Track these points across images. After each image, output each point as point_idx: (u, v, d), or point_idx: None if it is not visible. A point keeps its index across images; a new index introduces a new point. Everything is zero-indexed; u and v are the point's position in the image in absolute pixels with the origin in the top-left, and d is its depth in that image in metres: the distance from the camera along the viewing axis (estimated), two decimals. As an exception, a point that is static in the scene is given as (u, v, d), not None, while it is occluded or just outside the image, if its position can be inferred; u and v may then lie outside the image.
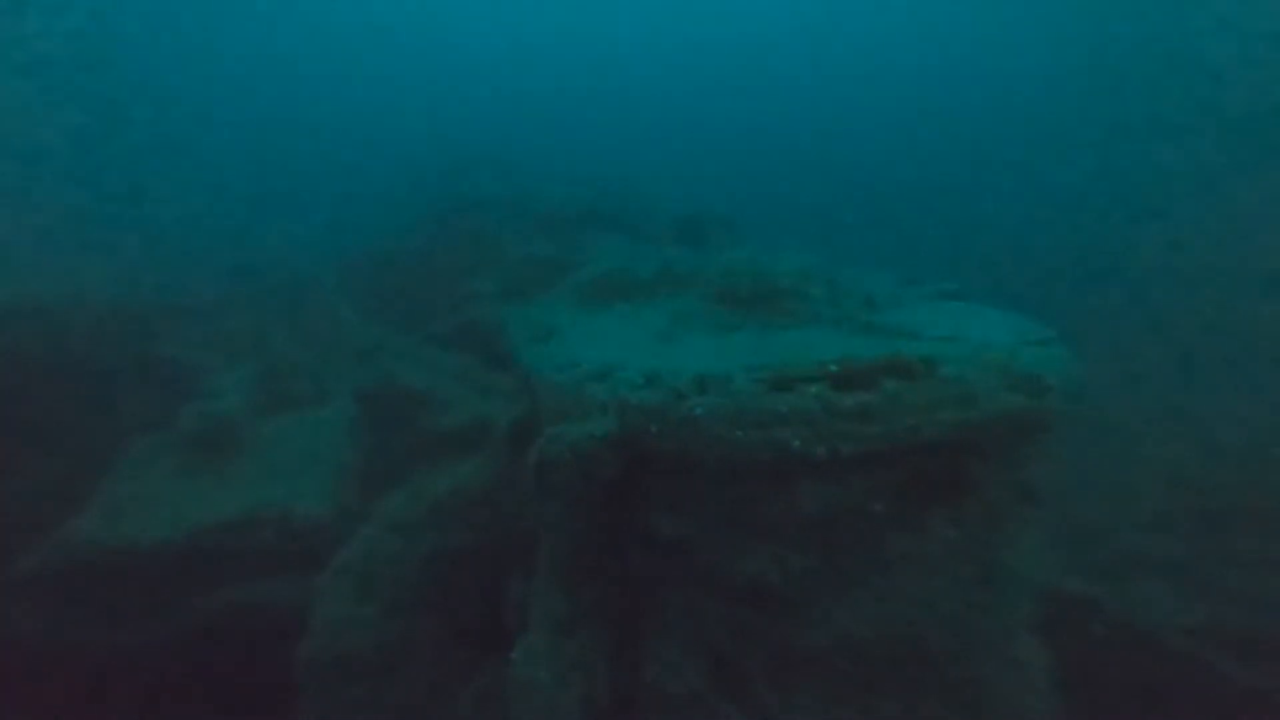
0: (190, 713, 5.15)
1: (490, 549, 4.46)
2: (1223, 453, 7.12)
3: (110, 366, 7.34)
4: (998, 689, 3.08)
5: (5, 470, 6.31)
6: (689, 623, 3.31)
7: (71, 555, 5.22)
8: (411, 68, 33.80)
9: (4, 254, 10.50)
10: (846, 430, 2.72)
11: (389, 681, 4.39)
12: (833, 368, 2.83)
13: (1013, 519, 3.04)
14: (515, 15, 37.17)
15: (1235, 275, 10.69)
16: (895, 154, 21.59)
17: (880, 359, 2.83)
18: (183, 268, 10.67)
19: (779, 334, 3.66)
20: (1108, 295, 11.12)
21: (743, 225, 12.05)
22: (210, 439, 5.85)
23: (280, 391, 7.36)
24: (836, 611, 3.03)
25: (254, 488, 5.65)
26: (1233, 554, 5.86)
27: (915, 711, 3.04)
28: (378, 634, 4.46)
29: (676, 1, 35.98)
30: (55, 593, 5.24)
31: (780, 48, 32.32)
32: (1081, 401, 3.03)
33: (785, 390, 2.81)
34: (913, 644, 3.01)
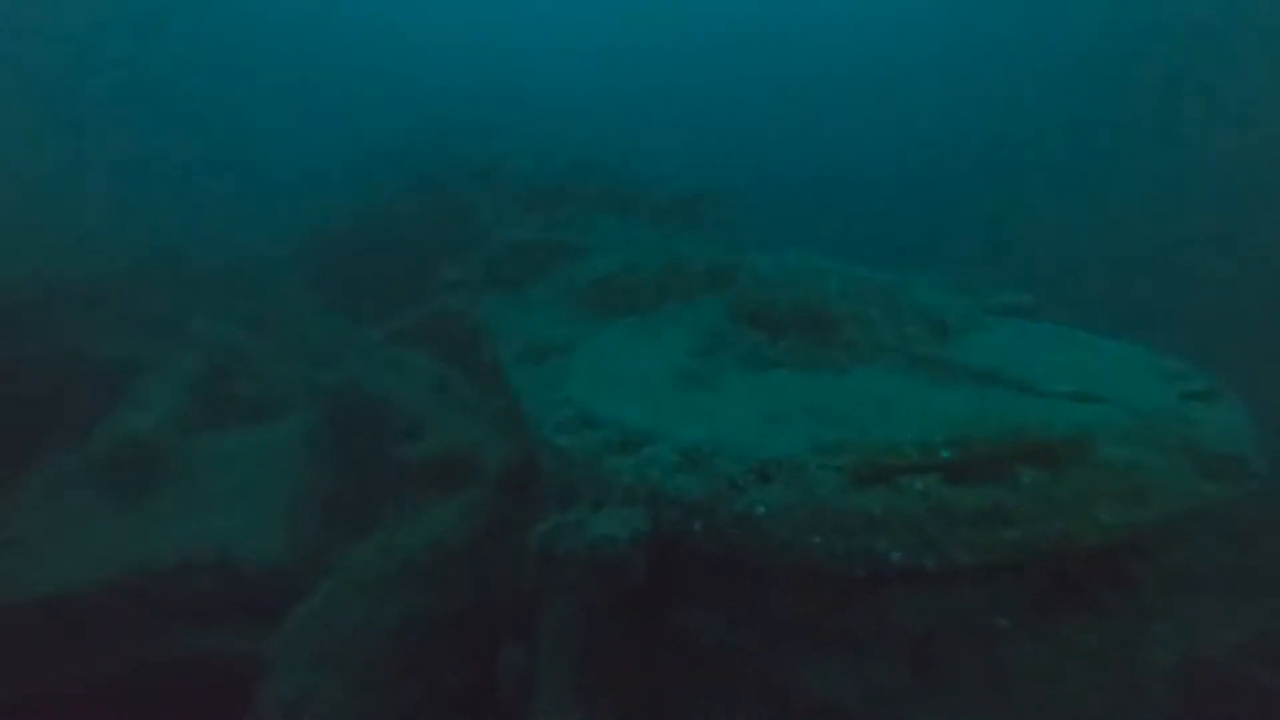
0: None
1: (477, 615, 3.73)
2: None
3: (6, 366, 6.27)
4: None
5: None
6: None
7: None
8: (381, 25, 31.50)
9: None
10: (968, 539, 2.04)
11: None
12: (944, 453, 2.14)
13: (1165, 611, 2.45)
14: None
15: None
16: (898, 134, 20.82)
17: (1008, 437, 2.15)
18: (101, 245, 9.35)
19: (840, 378, 2.95)
20: (1143, 284, 10.48)
21: (741, 201, 11.25)
22: (133, 462, 4.93)
23: (221, 399, 6.41)
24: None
25: (187, 523, 4.78)
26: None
27: None
28: (338, 714, 3.73)
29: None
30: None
31: (769, 21, 31.01)
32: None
33: (879, 481, 2.13)
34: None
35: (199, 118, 20.87)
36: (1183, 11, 16.80)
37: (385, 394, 5.55)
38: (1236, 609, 5.19)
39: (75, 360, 6.91)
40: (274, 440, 5.37)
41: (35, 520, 4.73)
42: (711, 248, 5.90)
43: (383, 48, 29.71)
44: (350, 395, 5.72)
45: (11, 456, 5.47)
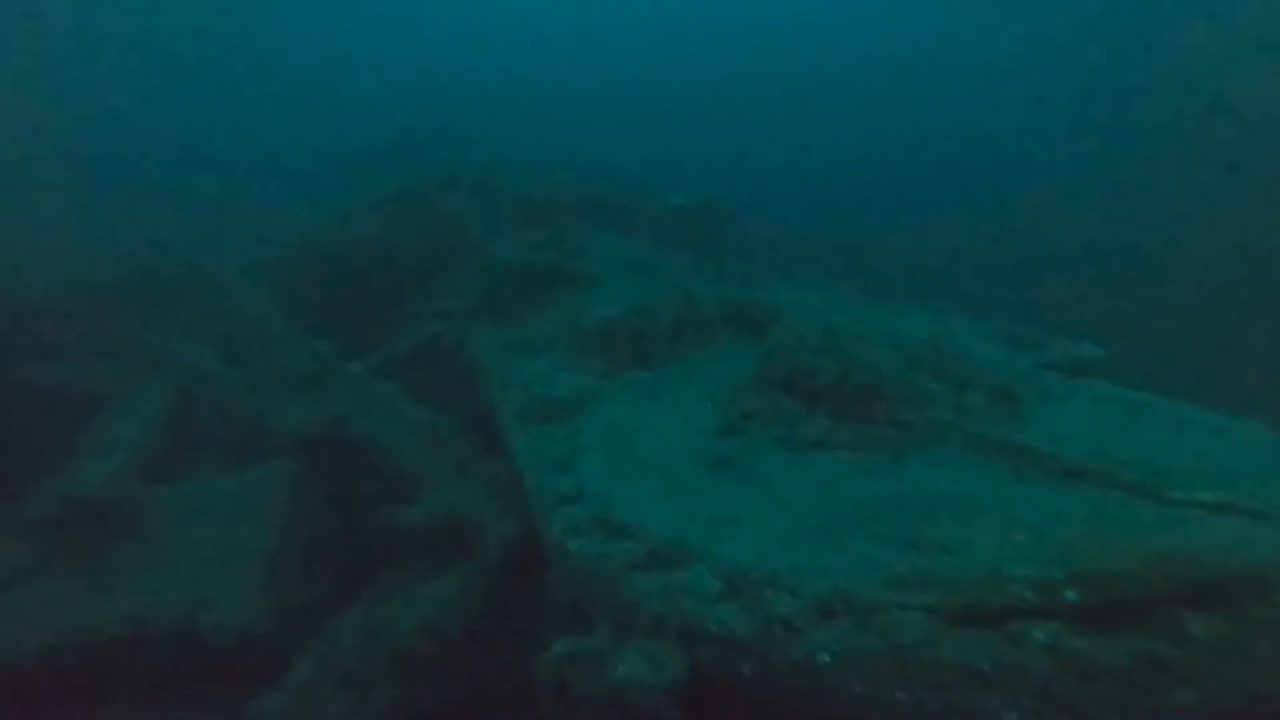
0: None
1: (472, 713, 3.29)
2: None
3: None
4: None
5: None
6: None
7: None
8: (367, 25, 30.87)
9: None
10: (1119, 701, 1.65)
11: None
12: (1069, 594, 1.76)
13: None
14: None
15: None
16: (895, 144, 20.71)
17: (1161, 574, 1.76)
18: (59, 259, 8.70)
19: (898, 467, 2.56)
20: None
21: (745, 213, 10.90)
22: (87, 519, 4.41)
23: (191, 438, 5.89)
24: None
25: (145, 583, 4.27)
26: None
27: None
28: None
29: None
30: None
31: (769, 28, 30.90)
32: None
33: (981, 626, 1.74)
34: None
35: (176, 117, 20.16)
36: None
37: (372, 438, 5.08)
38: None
39: (30, 391, 6.33)
40: (249, 489, 4.87)
41: None
42: (725, 284, 5.51)
43: (368, 46, 29.13)
44: (334, 438, 5.23)
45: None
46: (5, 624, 4.09)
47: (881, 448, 2.66)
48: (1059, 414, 2.82)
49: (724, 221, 9.87)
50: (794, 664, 1.81)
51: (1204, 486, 2.16)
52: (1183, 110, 15.41)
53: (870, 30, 28.64)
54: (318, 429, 5.56)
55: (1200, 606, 1.70)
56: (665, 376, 3.78)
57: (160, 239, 10.15)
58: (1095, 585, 1.76)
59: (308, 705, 3.39)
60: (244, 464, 5.67)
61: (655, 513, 2.38)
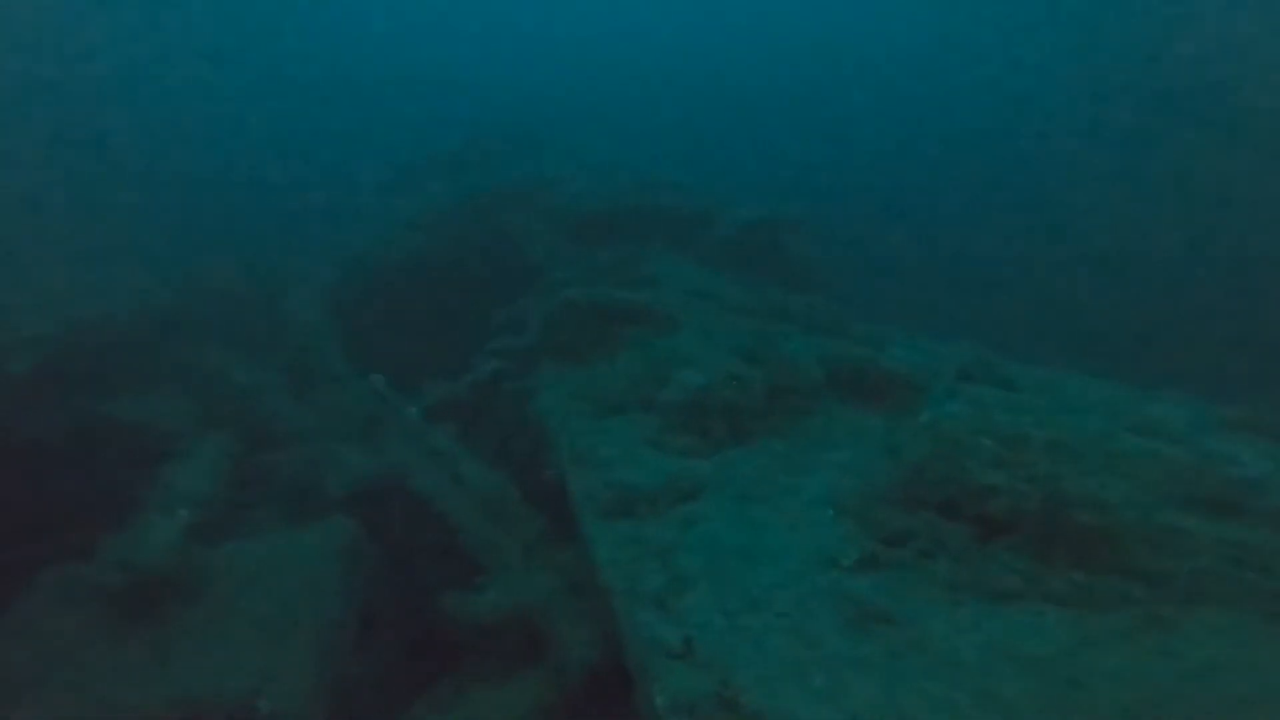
0: None
1: None
2: None
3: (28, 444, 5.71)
4: None
5: None
6: None
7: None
8: (416, 32, 31.16)
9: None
10: None
11: None
12: None
13: None
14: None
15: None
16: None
17: None
18: (128, 278, 8.73)
19: (1160, 636, 1.92)
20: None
21: (815, 227, 10.17)
22: (147, 585, 4.24)
23: (256, 481, 5.75)
24: None
25: (202, 661, 4.05)
26: None
27: None
28: None
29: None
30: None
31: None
32: None
33: None
34: None
35: (232, 126, 20.61)
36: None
37: (432, 496, 4.74)
38: None
39: (110, 429, 6.35)
40: (307, 553, 4.62)
41: (20, 651, 4.06)
42: (817, 328, 4.91)
43: (417, 57, 29.35)
44: (393, 495, 4.95)
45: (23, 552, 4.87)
46: (60, 702, 3.95)
47: (1119, 605, 2.00)
48: None
49: (795, 236, 9.20)
50: None
51: None
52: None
53: (895, 28, 27.21)
54: (376, 481, 5.31)
55: None
56: (768, 464, 3.24)
57: (231, 257, 10.26)
58: None
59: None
60: (303, 515, 5.49)
61: (795, 698, 1.86)
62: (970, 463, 2.52)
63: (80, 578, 4.44)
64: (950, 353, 4.11)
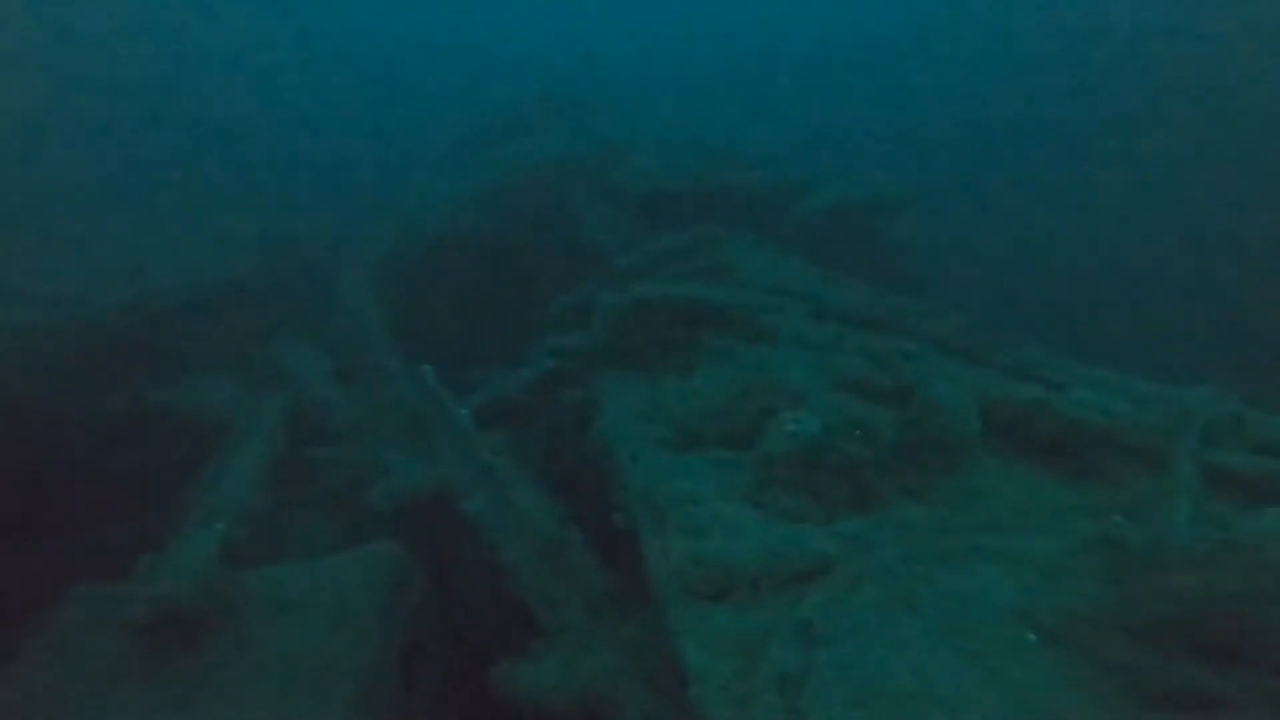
0: None
1: None
2: None
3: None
4: None
5: None
6: None
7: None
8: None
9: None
10: None
11: None
12: None
13: None
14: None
15: None
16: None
17: None
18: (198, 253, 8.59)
19: None
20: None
21: (911, 209, 8.97)
22: (178, 619, 3.87)
23: (302, 480, 5.38)
24: None
25: (232, 704, 3.67)
26: None
27: None
28: None
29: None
30: None
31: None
32: None
33: None
34: None
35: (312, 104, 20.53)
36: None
37: (483, 525, 4.19)
38: None
39: (162, 417, 6.13)
40: (347, 581, 4.16)
41: (40, 684, 3.77)
42: (954, 348, 3.94)
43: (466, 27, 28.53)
44: (440, 512, 4.43)
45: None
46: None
47: None
48: None
49: (891, 222, 8.11)
50: None
51: None
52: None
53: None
54: (422, 496, 4.81)
55: None
56: (913, 547, 2.48)
57: (284, 234, 10.01)
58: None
59: None
60: (346, 525, 5.09)
61: None
62: (1242, 595, 1.71)
63: (112, 600, 4.13)
64: (1168, 396, 3.15)
